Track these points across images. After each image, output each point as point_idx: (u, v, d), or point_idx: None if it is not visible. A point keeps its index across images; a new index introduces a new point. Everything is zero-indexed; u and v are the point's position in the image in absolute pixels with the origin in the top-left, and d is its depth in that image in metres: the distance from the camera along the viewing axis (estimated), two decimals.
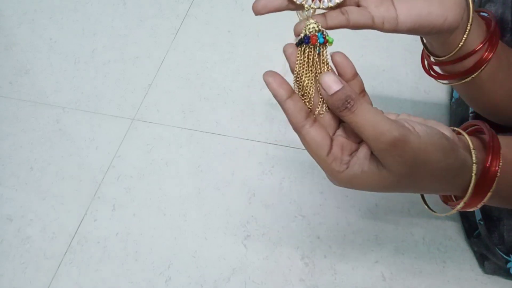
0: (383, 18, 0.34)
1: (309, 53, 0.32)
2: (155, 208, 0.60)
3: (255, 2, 0.33)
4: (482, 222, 0.50)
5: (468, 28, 0.37)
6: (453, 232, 0.56)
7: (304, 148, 0.32)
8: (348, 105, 0.29)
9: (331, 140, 0.32)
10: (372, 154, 0.31)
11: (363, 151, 0.32)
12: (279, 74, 0.31)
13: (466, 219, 0.56)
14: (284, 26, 0.81)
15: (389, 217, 0.58)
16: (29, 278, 0.55)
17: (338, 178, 0.32)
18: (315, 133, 0.31)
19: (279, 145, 0.64)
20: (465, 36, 0.37)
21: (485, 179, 0.33)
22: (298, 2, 0.33)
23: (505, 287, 0.52)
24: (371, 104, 0.34)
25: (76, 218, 0.59)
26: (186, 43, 0.78)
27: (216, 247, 0.56)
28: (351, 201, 0.59)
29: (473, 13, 0.37)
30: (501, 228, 0.47)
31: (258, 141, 0.65)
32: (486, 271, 0.53)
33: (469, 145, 0.34)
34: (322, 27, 0.32)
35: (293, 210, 0.59)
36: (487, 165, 0.33)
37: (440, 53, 0.41)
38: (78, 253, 0.56)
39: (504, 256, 0.48)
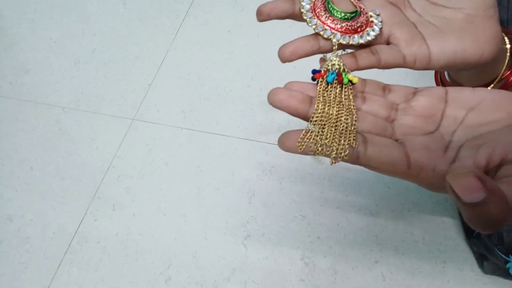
0: (415, 57, 0.31)
1: (332, 91, 0.28)
2: (155, 208, 0.60)
3: (282, 48, 0.31)
4: None
5: (506, 61, 0.35)
6: (453, 232, 0.56)
7: None
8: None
9: (404, 146, 0.26)
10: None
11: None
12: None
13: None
14: (284, 26, 0.81)
15: (389, 217, 0.58)
16: (29, 278, 0.55)
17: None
18: (377, 151, 0.25)
19: None
20: (502, 70, 0.36)
21: None
22: (325, 36, 0.30)
23: (505, 287, 0.52)
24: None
25: (76, 218, 0.59)
26: (186, 43, 0.78)
27: (216, 247, 0.56)
28: (351, 201, 0.59)
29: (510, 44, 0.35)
30: (500, 229, 0.47)
31: (258, 141, 0.65)
32: (485, 271, 0.53)
33: None
34: (352, 68, 0.30)
35: (293, 210, 0.59)
36: None
37: (467, 83, 0.38)
38: (78, 253, 0.57)
39: (503, 256, 0.48)
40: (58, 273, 0.55)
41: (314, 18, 0.31)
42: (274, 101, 0.28)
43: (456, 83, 0.40)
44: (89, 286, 0.54)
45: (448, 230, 0.56)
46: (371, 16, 0.31)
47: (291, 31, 0.81)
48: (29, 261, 0.56)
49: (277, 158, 0.63)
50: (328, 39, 0.30)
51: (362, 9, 0.31)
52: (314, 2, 0.31)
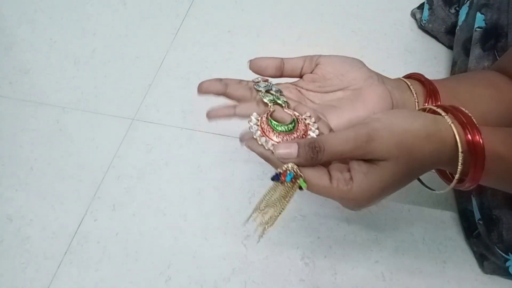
0: (319, 130, 0.37)
1: (278, 189, 0.35)
2: (155, 208, 0.60)
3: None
4: (481, 222, 0.50)
5: (414, 94, 0.42)
6: (453, 232, 0.56)
7: None
8: (317, 148, 0.32)
9: (327, 169, 0.35)
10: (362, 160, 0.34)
11: (354, 161, 0.34)
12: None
13: (465, 219, 0.56)
14: (284, 27, 0.81)
15: (389, 217, 0.58)
16: (29, 278, 0.55)
17: (351, 196, 0.34)
18: (311, 171, 0.34)
19: None
20: (416, 104, 0.42)
21: (472, 149, 0.35)
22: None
23: (505, 287, 0.52)
24: (327, 122, 0.39)
25: (76, 218, 0.59)
26: (186, 43, 0.78)
27: (216, 247, 0.56)
28: None
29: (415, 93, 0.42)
30: (500, 227, 0.48)
31: None
32: (485, 271, 0.53)
33: (444, 118, 0.36)
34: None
35: (293, 210, 0.59)
36: (467, 135, 0.35)
37: None
38: (78, 253, 0.56)
39: (503, 254, 0.48)
40: (58, 273, 0.55)
41: (263, 136, 0.36)
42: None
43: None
44: (89, 286, 0.54)
45: (448, 230, 0.56)
46: (305, 119, 0.38)
47: (291, 31, 0.81)
48: (29, 261, 0.56)
49: None
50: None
51: (297, 116, 0.38)
52: (260, 120, 0.37)
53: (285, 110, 0.39)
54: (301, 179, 0.34)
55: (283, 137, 0.36)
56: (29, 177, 0.64)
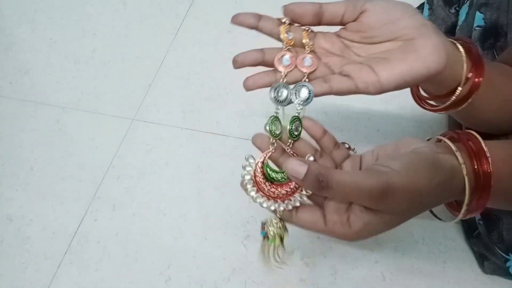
0: (366, 83, 0.35)
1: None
2: (155, 208, 0.60)
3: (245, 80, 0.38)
4: (481, 222, 0.50)
5: (465, 65, 0.38)
6: (453, 232, 0.56)
7: None
8: (323, 183, 0.29)
9: (322, 210, 0.33)
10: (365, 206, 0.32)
11: (355, 207, 0.32)
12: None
13: (465, 219, 0.56)
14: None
15: None
16: (29, 278, 0.55)
17: (348, 237, 0.32)
18: (304, 215, 0.33)
19: None
20: (463, 72, 0.38)
21: (480, 180, 0.34)
22: (271, 209, 0.34)
23: (505, 287, 0.52)
24: (348, 155, 0.37)
25: (76, 218, 0.59)
26: (186, 43, 0.78)
27: (216, 247, 0.56)
28: None
29: (465, 53, 0.38)
30: (500, 227, 0.48)
31: None
32: (486, 271, 0.53)
33: (451, 148, 0.34)
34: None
35: None
36: (475, 166, 0.34)
37: (435, 91, 0.41)
38: (78, 253, 0.56)
39: (504, 255, 0.48)
40: (58, 273, 0.55)
41: (258, 193, 0.34)
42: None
43: (430, 94, 0.43)
44: (89, 286, 0.54)
45: (448, 230, 0.56)
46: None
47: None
48: (29, 261, 0.56)
49: None
50: (274, 210, 0.34)
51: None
52: (255, 169, 0.35)
53: (287, 150, 0.36)
54: (276, 239, 0.34)
55: (277, 188, 0.34)
56: (29, 177, 0.64)
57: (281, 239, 0.34)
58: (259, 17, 0.39)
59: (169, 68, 0.75)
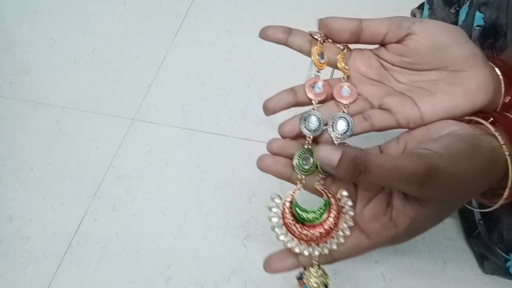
0: (407, 119, 0.32)
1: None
2: (155, 208, 0.60)
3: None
4: (481, 222, 0.50)
5: (503, 89, 0.34)
6: (453, 232, 0.56)
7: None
8: (361, 167, 0.25)
9: (359, 225, 0.31)
10: (406, 197, 0.29)
11: (397, 202, 0.30)
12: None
13: (465, 219, 0.56)
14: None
15: None
16: (29, 278, 0.55)
17: (398, 239, 0.31)
18: (345, 244, 0.31)
19: None
20: (501, 98, 0.34)
21: None
22: (305, 254, 0.32)
23: (505, 287, 0.52)
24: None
25: (76, 218, 0.59)
26: (186, 43, 0.78)
27: (216, 247, 0.56)
28: None
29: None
30: (500, 227, 0.47)
31: (258, 141, 0.65)
32: (486, 271, 0.53)
33: (489, 129, 0.32)
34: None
35: None
36: None
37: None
38: (78, 253, 0.56)
39: (504, 255, 0.48)
40: (58, 273, 0.55)
41: (288, 235, 0.32)
42: (262, 166, 0.33)
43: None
44: (89, 286, 0.54)
45: (448, 230, 0.56)
46: (339, 200, 0.32)
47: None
48: (29, 261, 0.56)
49: None
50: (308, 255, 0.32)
51: (330, 196, 0.32)
52: (283, 210, 0.32)
53: (317, 186, 0.33)
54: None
55: (308, 230, 0.31)
56: (29, 177, 0.64)
57: (326, 287, 0.31)
58: (289, 31, 0.34)
59: (169, 68, 0.75)
